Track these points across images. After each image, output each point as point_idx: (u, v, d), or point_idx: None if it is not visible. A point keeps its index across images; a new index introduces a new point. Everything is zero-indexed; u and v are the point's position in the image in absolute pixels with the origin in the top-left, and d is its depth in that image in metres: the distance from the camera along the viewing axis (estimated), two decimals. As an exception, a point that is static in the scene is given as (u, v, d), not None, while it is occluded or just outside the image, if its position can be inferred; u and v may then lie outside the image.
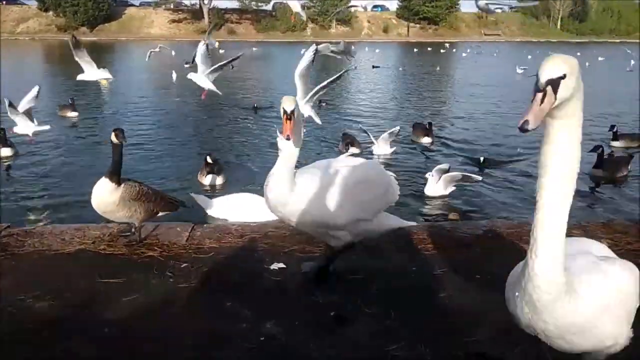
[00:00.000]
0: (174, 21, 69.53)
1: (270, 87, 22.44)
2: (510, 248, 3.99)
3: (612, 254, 2.42)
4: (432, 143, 12.01)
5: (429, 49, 49.23)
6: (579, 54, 41.49)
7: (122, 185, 3.96)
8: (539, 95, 1.59)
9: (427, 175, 8.23)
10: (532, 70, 18.42)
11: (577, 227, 4.46)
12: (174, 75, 24.01)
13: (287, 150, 3.17)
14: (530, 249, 1.96)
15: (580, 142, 1.82)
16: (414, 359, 2.75)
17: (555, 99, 1.61)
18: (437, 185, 8.07)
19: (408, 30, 72.41)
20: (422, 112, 16.92)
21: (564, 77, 1.61)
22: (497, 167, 8.72)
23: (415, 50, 48.88)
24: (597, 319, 1.98)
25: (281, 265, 3.72)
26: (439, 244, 4.14)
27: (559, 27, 77.21)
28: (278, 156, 3.22)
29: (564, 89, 1.62)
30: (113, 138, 3.95)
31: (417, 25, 72.97)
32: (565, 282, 1.90)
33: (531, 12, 78.93)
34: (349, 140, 10.68)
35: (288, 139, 2.98)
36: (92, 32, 63.03)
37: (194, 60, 9.51)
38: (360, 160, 3.65)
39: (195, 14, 69.15)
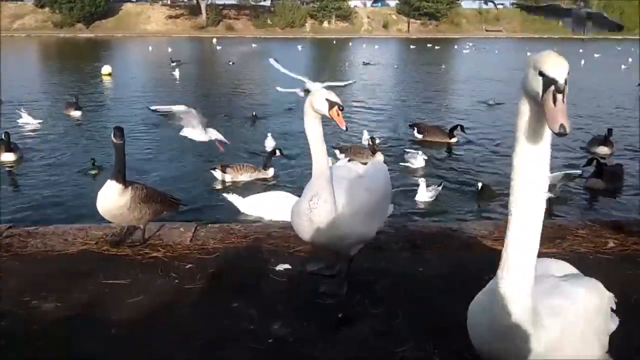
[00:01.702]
0: (170, 17, 69.18)
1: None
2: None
3: (576, 272, 2.31)
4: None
5: (429, 45, 49.06)
6: (581, 50, 41.59)
7: (130, 187, 3.92)
8: (560, 96, 1.55)
9: (419, 181, 8.33)
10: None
11: (582, 226, 4.46)
12: (177, 73, 23.93)
13: (318, 163, 3.01)
14: (501, 268, 1.92)
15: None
16: (424, 359, 2.75)
17: None
18: (426, 192, 8.20)
19: (408, 26, 72.10)
20: (413, 110, 16.95)
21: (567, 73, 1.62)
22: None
23: (412, 47, 48.73)
24: (564, 347, 1.89)
25: (287, 266, 3.70)
26: (445, 244, 4.13)
27: (560, 23, 77.01)
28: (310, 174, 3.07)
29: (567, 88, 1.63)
30: (113, 138, 3.89)
31: (418, 21, 72.59)
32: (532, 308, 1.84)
33: (532, 8, 78.74)
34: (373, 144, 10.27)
35: (346, 129, 3.04)
36: (88, 28, 62.76)
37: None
38: (376, 167, 3.61)
39: (193, 9, 68.83)
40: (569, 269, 2.32)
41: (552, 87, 1.55)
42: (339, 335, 2.96)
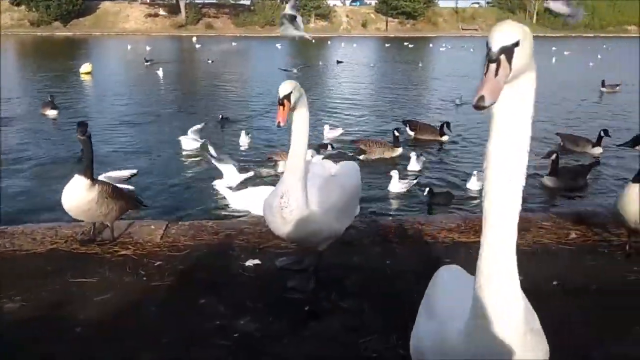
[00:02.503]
0: (149, 15, 68.39)
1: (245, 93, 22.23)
2: (479, 240, 4.05)
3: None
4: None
5: (405, 43, 49.40)
6: (554, 48, 42.28)
7: (97, 182, 3.90)
8: (493, 66, 1.38)
9: (391, 173, 8.40)
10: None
11: (546, 218, 4.58)
12: (160, 72, 23.61)
13: (294, 159, 3.01)
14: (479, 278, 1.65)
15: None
16: (387, 350, 2.79)
17: (510, 69, 1.41)
18: (398, 184, 8.33)
19: (387, 25, 72.49)
20: (386, 107, 17.03)
21: (517, 44, 1.41)
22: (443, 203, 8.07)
23: (387, 45, 49.06)
24: None
25: (256, 261, 3.73)
26: (414, 238, 4.19)
27: (534, 21, 78.17)
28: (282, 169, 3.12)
29: (519, 57, 1.42)
30: (77, 134, 3.85)
31: (396, 20, 73.06)
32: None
33: (507, 6, 79.81)
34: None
35: (279, 125, 2.84)
36: (65, 27, 61.73)
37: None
38: (349, 166, 3.69)
39: (172, 8, 68.12)
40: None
41: (486, 56, 1.40)
42: (307, 330, 2.99)
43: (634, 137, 3.75)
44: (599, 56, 34.69)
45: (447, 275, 2.22)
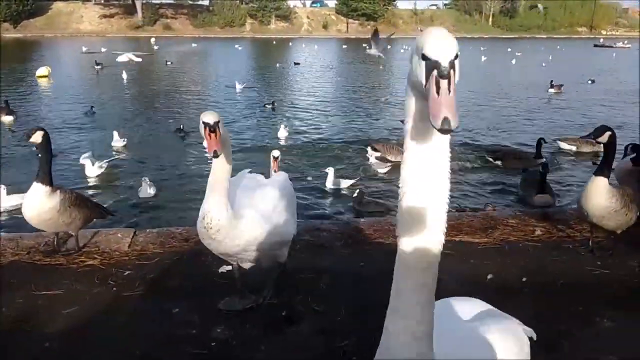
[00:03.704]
0: (105, 16, 66.73)
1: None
2: (449, 239, 4.16)
3: (489, 309, 1.97)
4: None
5: (364, 45, 49.87)
6: (509, 49, 43.56)
7: (58, 190, 3.75)
8: (444, 82, 1.23)
9: (326, 170, 8.51)
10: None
11: (512, 216, 4.71)
12: (125, 75, 22.95)
13: (217, 174, 2.85)
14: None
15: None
16: (365, 352, 2.80)
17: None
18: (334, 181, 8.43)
19: (347, 27, 73.12)
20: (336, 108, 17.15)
21: (457, 56, 1.28)
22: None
23: (344, 46, 49.54)
24: None
25: (229, 267, 3.67)
26: (383, 239, 4.23)
27: (490, 23, 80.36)
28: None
29: (458, 69, 1.29)
30: (31, 139, 3.68)
31: (356, 22, 73.79)
32: None
33: (464, 9, 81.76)
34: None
35: (216, 155, 2.63)
36: (15, 28, 59.55)
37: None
38: (279, 177, 3.64)
39: (128, 8, 66.72)
40: (480, 307, 1.96)
41: (435, 72, 1.25)
42: (282, 335, 2.98)
43: (595, 128, 3.87)
44: (550, 57, 35.93)
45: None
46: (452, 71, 1.26)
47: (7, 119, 13.35)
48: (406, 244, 1.44)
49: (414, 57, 1.32)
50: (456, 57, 1.28)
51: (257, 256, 3.13)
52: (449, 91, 1.24)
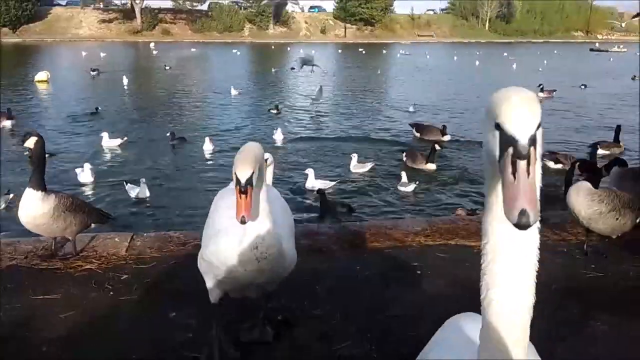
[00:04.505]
0: (104, 21, 66.78)
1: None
2: (445, 243, 4.20)
3: None
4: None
5: (361, 49, 50.16)
6: (505, 54, 43.74)
7: (53, 194, 3.74)
8: (523, 164, 1.01)
9: (306, 171, 8.70)
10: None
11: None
12: (125, 80, 22.97)
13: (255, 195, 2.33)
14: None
15: None
16: (361, 356, 2.83)
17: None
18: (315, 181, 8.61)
19: (345, 31, 73.29)
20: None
21: (539, 126, 1.05)
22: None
23: (339, 51, 49.71)
24: None
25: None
26: (380, 242, 4.25)
27: (487, 28, 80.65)
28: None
29: (541, 141, 1.07)
30: (25, 144, 3.68)
31: (354, 27, 74.00)
32: None
33: (461, 13, 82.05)
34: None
35: (243, 221, 2.19)
36: (15, 32, 59.50)
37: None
38: (271, 189, 3.14)
39: (127, 13, 66.73)
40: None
41: (511, 150, 1.02)
42: (281, 339, 2.99)
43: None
44: (545, 61, 36.08)
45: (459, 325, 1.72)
46: (532, 149, 1.02)
47: (7, 123, 13.38)
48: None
49: (487, 122, 1.10)
50: (538, 127, 1.05)
51: (275, 280, 2.73)
52: (528, 174, 1.01)
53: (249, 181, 2.20)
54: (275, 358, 2.83)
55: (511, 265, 1.15)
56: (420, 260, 3.91)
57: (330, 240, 4.28)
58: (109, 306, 3.28)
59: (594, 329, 3.08)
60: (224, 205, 2.63)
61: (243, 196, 2.18)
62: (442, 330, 1.71)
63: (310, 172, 8.58)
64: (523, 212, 0.97)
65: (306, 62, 14.25)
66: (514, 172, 1.00)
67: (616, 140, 11.22)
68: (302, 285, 3.55)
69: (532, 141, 1.02)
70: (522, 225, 0.98)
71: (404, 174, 8.88)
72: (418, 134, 12.80)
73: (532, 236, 1.14)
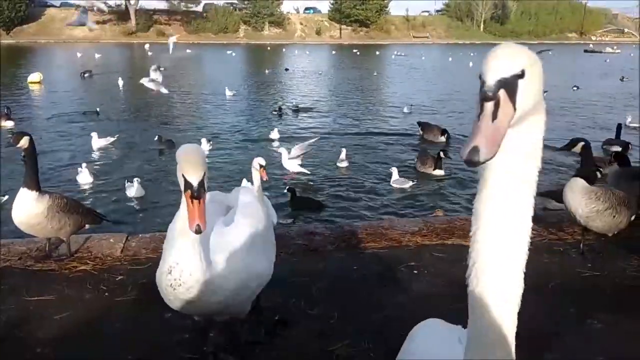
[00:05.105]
0: (98, 23, 66.47)
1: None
2: (441, 243, 4.20)
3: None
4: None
5: (355, 50, 50.27)
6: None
7: (47, 195, 3.72)
8: (489, 105, 1.00)
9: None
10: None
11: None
12: (120, 82, 22.89)
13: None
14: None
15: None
16: (358, 356, 2.81)
17: (515, 109, 1.03)
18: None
19: (340, 33, 73.37)
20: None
21: (522, 75, 1.03)
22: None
23: (333, 52, 49.82)
24: None
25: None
26: (376, 242, 4.25)
27: (482, 29, 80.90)
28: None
29: (525, 93, 1.04)
30: (17, 145, 3.65)
31: (349, 28, 74.09)
32: None
33: (456, 15, 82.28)
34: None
35: (199, 231, 1.98)
36: (8, 34, 59.24)
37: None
38: (246, 193, 2.99)
39: (121, 15, 66.58)
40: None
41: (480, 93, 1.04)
42: (278, 339, 2.98)
43: (570, 140, 4.00)
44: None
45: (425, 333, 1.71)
46: (501, 93, 1.01)
47: (8, 124, 13.30)
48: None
49: None
50: (518, 76, 1.03)
51: (236, 307, 2.54)
52: (493, 117, 1.00)
53: (202, 184, 2.01)
54: (272, 358, 2.81)
55: (501, 253, 1.14)
56: (417, 260, 3.90)
57: (327, 240, 4.28)
58: (104, 307, 3.26)
59: (590, 327, 3.08)
60: (173, 229, 2.39)
61: (196, 202, 1.98)
62: (409, 342, 1.66)
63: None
64: (474, 149, 0.97)
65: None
66: (479, 115, 1.01)
67: (617, 137, 11.42)
68: (298, 285, 3.54)
69: (503, 84, 1.01)
70: (470, 161, 0.98)
71: (394, 170, 8.91)
72: (421, 133, 13.01)
73: (523, 218, 1.13)
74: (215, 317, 2.62)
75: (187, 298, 2.24)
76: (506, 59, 1.04)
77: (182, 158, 2.04)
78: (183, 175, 2.02)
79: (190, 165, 2.02)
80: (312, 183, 9.07)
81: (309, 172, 9.20)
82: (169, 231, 2.51)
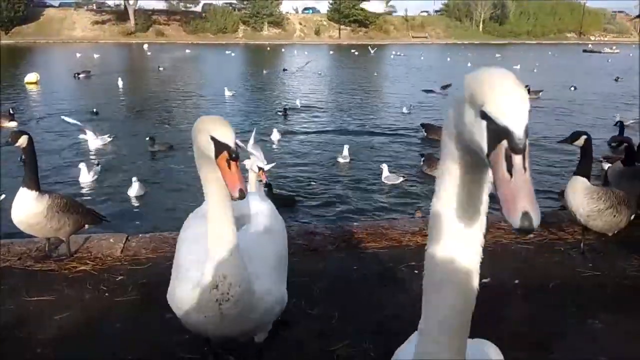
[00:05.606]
0: (97, 23, 66.53)
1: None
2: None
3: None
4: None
5: (353, 50, 50.31)
6: (498, 55, 43.88)
7: (47, 194, 3.71)
8: (518, 159, 0.90)
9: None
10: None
11: (504, 219, 4.72)
12: (120, 82, 22.87)
13: (222, 219, 1.98)
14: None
15: None
16: (358, 356, 2.81)
17: None
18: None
19: (339, 33, 73.38)
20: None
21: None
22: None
23: (331, 52, 49.86)
24: None
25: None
26: (376, 242, 4.24)
27: (480, 29, 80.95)
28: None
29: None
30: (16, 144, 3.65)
31: (348, 28, 74.10)
32: None
33: (455, 15, 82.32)
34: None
35: (242, 196, 1.74)
36: (7, 34, 59.15)
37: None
38: (263, 197, 2.91)
39: (120, 15, 66.57)
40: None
41: (505, 143, 0.91)
42: (279, 339, 2.97)
43: (572, 133, 3.97)
44: (536, 64, 36.23)
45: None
46: (527, 141, 0.91)
47: (11, 124, 13.29)
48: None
49: (465, 108, 0.98)
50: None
51: (265, 325, 2.37)
52: (525, 170, 0.90)
53: (237, 147, 1.83)
54: (272, 358, 2.80)
55: (456, 249, 1.13)
56: (417, 260, 3.89)
57: (327, 240, 4.27)
58: (104, 307, 3.25)
59: (591, 326, 3.08)
60: (190, 237, 2.30)
61: (233, 164, 1.78)
62: (408, 342, 1.63)
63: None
64: (525, 215, 0.87)
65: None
66: (509, 169, 0.90)
67: (621, 134, 11.54)
68: (299, 285, 3.52)
69: (526, 133, 0.91)
70: (525, 229, 0.88)
71: (384, 167, 8.92)
72: (425, 134, 13.06)
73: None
74: (239, 338, 2.39)
75: (230, 314, 2.04)
76: (523, 99, 0.92)
77: (208, 121, 1.86)
78: (213, 138, 1.79)
79: (222, 124, 1.83)
80: (313, 183, 9.08)
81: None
82: (181, 241, 2.39)
